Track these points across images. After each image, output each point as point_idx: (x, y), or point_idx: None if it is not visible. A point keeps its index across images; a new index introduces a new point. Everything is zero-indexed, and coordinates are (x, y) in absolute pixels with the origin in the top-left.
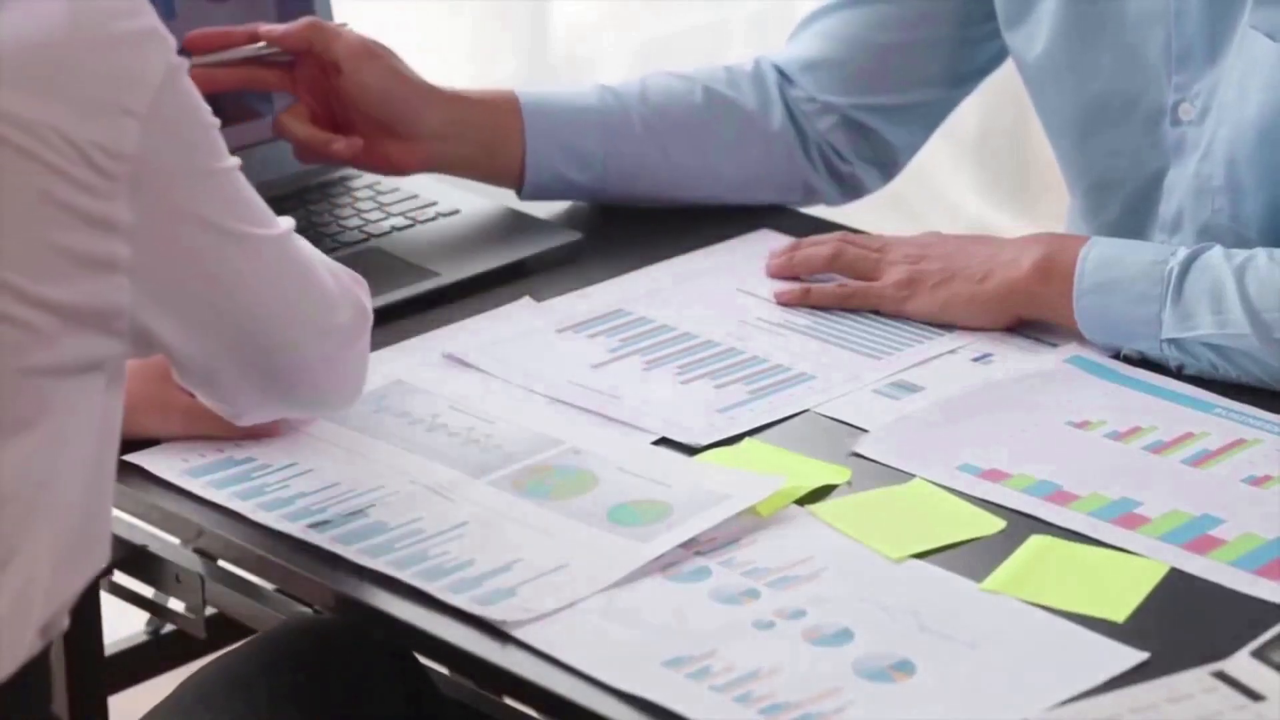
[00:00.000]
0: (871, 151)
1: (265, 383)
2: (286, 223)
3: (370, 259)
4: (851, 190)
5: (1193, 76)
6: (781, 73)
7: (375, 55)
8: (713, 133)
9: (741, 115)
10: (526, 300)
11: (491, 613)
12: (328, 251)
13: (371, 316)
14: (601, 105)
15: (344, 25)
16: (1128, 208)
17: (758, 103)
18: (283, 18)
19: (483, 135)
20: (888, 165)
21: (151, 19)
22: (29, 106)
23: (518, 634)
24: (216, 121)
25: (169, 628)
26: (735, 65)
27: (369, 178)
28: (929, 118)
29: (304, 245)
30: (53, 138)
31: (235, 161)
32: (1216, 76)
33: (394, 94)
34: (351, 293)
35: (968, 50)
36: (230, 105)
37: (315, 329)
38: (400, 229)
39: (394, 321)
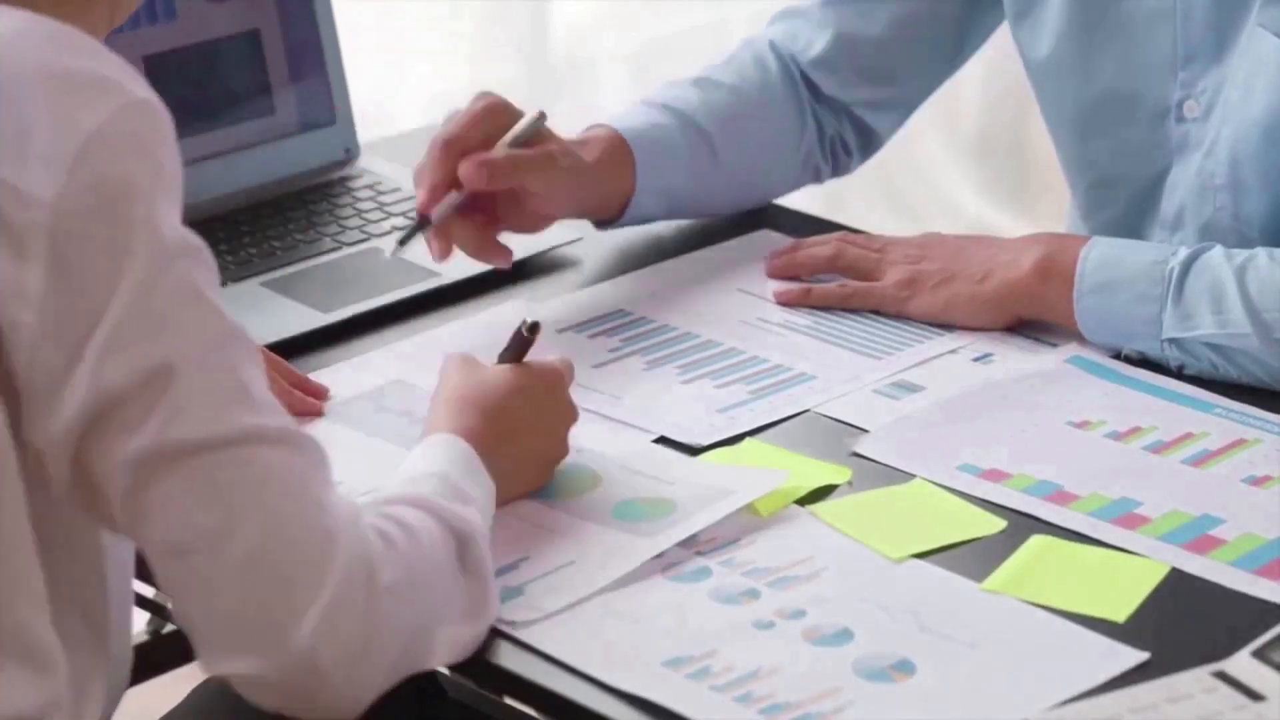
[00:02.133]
0: (861, 138)
1: (214, 612)
2: (257, 423)
3: (370, 259)
4: (838, 172)
5: (1198, 74)
6: (799, 66)
7: (558, 167)
8: (767, 155)
9: (787, 129)
10: (526, 300)
11: (500, 613)
12: (327, 252)
13: (391, 583)
14: (687, 142)
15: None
16: (1129, 205)
17: (796, 113)
18: (282, 15)
19: (607, 198)
20: (873, 148)
21: (99, 64)
22: None
23: (518, 634)
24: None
25: (169, 627)
26: (763, 61)
27: (369, 177)
28: (920, 100)
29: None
30: None
31: (202, 280)
32: (1223, 74)
33: (570, 199)
34: (359, 545)
35: (967, 35)
36: (228, 107)
37: (270, 571)
38: (399, 229)
39: (394, 322)
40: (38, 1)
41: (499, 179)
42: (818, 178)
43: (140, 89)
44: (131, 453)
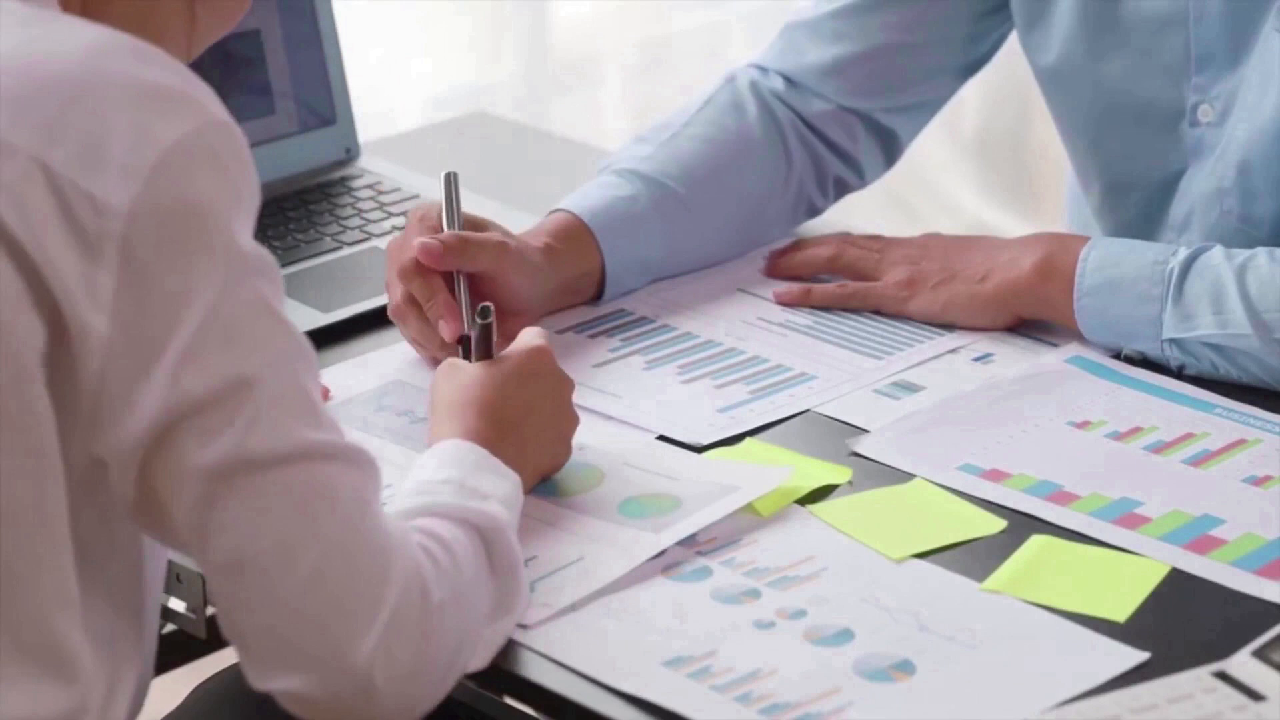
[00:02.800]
0: (882, 151)
1: (265, 623)
2: (325, 439)
3: (370, 259)
4: (842, 195)
5: (1213, 78)
6: (791, 82)
7: (509, 253)
8: (749, 207)
9: (769, 175)
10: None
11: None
12: (327, 252)
13: (441, 601)
14: (657, 208)
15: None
16: (1144, 207)
17: (780, 156)
18: (282, 15)
19: (572, 281)
20: (892, 159)
21: (182, 82)
22: (21, 138)
23: (519, 635)
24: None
25: (169, 627)
26: (740, 105)
27: (369, 177)
28: (936, 107)
29: (356, 471)
30: (35, 173)
31: (268, 295)
32: (1239, 79)
33: (532, 287)
34: (412, 564)
35: (978, 41)
36: (228, 107)
37: (331, 590)
38: (401, 229)
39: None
40: (119, 25)
41: (452, 258)
42: (813, 213)
43: (221, 111)
44: (206, 463)
